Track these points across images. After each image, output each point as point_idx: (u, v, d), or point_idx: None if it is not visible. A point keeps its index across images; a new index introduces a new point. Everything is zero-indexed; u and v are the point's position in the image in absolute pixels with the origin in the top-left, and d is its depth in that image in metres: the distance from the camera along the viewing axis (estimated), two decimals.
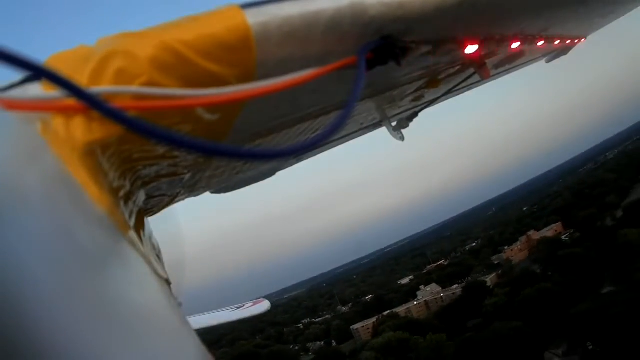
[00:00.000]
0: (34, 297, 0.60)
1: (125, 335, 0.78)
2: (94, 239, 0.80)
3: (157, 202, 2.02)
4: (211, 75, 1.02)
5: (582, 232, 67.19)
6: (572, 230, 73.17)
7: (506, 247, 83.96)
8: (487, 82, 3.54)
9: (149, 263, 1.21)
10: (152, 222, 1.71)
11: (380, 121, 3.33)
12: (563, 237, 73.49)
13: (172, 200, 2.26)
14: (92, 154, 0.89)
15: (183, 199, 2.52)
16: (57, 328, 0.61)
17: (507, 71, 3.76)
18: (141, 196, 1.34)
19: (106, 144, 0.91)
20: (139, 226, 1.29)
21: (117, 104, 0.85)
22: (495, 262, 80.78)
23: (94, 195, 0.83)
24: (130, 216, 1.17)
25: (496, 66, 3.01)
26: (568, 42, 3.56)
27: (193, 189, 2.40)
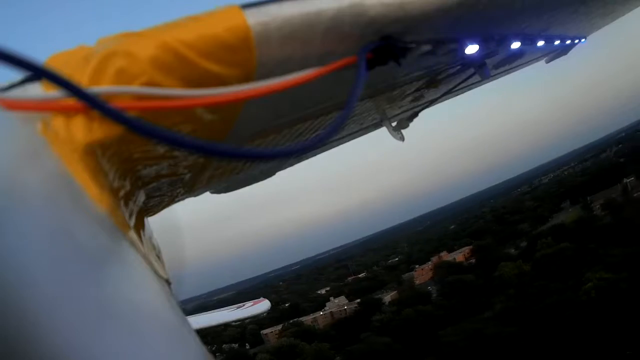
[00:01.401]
0: (34, 297, 0.60)
1: (126, 335, 0.78)
2: (94, 239, 0.80)
3: (157, 202, 2.01)
4: (211, 75, 1.02)
5: (478, 258, 68.67)
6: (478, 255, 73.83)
7: (417, 266, 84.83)
8: (487, 82, 3.54)
9: (149, 263, 1.21)
10: (152, 222, 1.71)
11: (381, 121, 3.33)
12: (469, 261, 74.01)
13: (172, 200, 2.26)
14: (92, 154, 0.89)
15: (183, 199, 2.52)
16: (57, 328, 0.62)
17: (507, 71, 3.76)
18: (141, 196, 1.34)
19: (106, 144, 0.91)
20: (139, 226, 1.29)
21: (117, 104, 0.86)
22: (407, 279, 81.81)
23: (94, 195, 0.83)
24: (130, 216, 1.17)
25: (496, 66, 3.02)
26: (568, 42, 3.57)
27: (193, 189, 2.40)
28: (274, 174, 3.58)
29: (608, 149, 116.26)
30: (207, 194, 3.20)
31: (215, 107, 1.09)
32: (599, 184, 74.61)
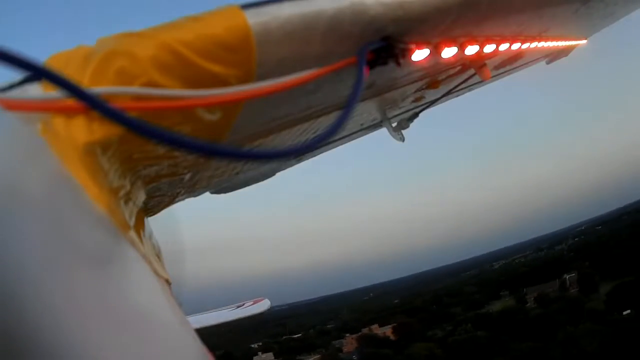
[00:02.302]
0: (34, 297, 0.60)
1: (126, 335, 0.78)
2: (94, 239, 0.80)
3: (157, 202, 2.01)
4: (211, 75, 1.02)
5: (401, 335, 69.60)
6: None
7: (348, 335, 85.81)
8: (487, 83, 3.54)
9: (149, 263, 1.21)
10: (152, 222, 1.71)
11: (381, 121, 3.33)
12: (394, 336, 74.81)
13: (172, 200, 2.26)
14: (92, 154, 0.89)
15: (183, 199, 2.52)
16: (57, 328, 0.62)
17: (508, 72, 3.76)
18: (141, 196, 1.34)
19: (106, 144, 0.91)
20: (139, 226, 1.29)
21: (117, 104, 0.85)
22: (337, 346, 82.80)
23: (94, 196, 0.83)
24: (130, 216, 1.17)
25: (496, 67, 3.02)
26: (568, 43, 3.57)
27: (193, 189, 2.40)
28: (273, 174, 3.58)
29: (565, 241, 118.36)
30: (207, 194, 3.20)
31: (215, 107, 1.09)
32: (543, 276, 76.50)
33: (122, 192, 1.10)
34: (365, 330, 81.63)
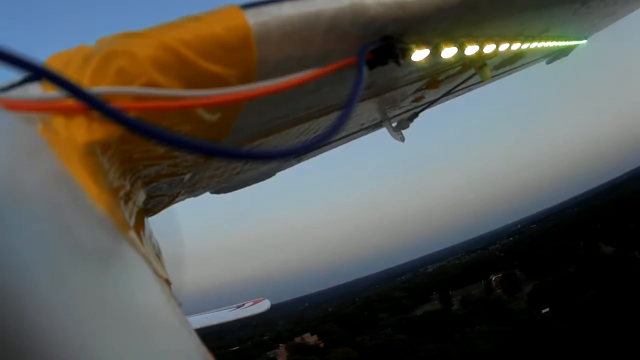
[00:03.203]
0: (34, 298, 0.60)
1: (125, 335, 0.78)
2: (94, 239, 0.80)
3: (157, 202, 2.02)
4: (211, 75, 1.02)
5: (326, 342, 70.37)
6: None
7: (281, 345, 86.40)
8: (487, 83, 3.54)
9: (149, 263, 1.21)
10: (152, 222, 1.71)
11: (381, 121, 3.33)
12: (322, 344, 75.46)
13: (172, 200, 2.26)
14: (92, 154, 0.89)
15: (183, 199, 2.52)
16: (57, 328, 0.61)
17: (508, 72, 3.76)
18: (141, 196, 1.34)
19: (106, 144, 0.91)
20: (139, 226, 1.29)
21: (117, 104, 0.85)
22: (271, 356, 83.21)
23: (94, 196, 0.83)
24: (130, 216, 1.17)
25: (497, 67, 3.02)
26: (568, 43, 3.57)
27: (193, 189, 2.40)
28: (274, 174, 3.58)
29: (499, 241, 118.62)
30: (207, 194, 3.20)
31: (215, 107, 1.09)
32: (472, 278, 77.12)
33: (122, 192, 1.10)
34: (297, 339, 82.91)
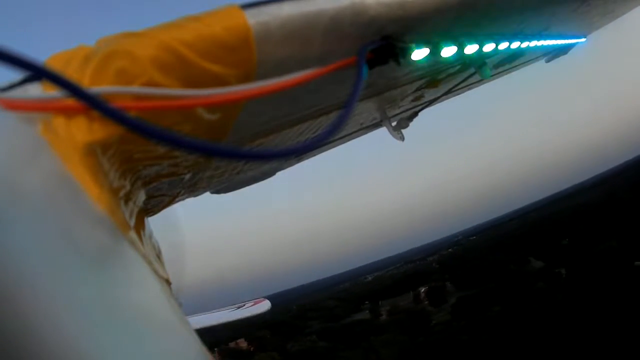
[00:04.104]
0: (34, 297, 0.60)
1: (126, 335, 0.78)
2: (94, 239, 0.80)
3: (157, 202, 2.02)
4: (211, 75, 1.02)
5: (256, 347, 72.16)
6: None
7: (216, 349, 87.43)
8: (487, 82, 3.54)
9: (149, 263, 1.21)
10: (152, 222, 1.71)
11: (380, 121, 3.33)
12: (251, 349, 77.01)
13: (172, 200, 2.26)
14: (92, 154, 0.89)
15: (183, 199, 2.52)
16: (57, 328, 0.62)
17: (507, 71, 3.76)
18: (141, 196, 1.34)
19: (107, 144, 0.91)
20: (139, 226, 1.29)
21: (117, 104, 0.85)
22: None
23: (94, 196, 0.83)
24: (130, 216, 1.17)
25: (496, 66, 3.02)
26: (568, 41, 3.56)
27: (193, 189, 2.40)
28: (274, 174, 3.58)
29: (438, 252, 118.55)
30: (207, 194, 3.20)
31: (215, 107, 1.09)
32: (405, 288, 77.76)
33: (122, 192, 1.10)
34: (232, 344, 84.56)
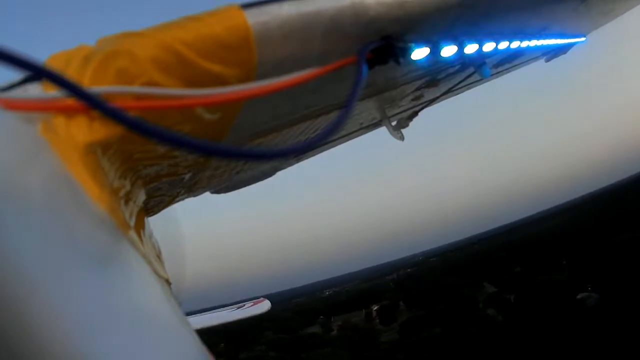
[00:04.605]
0: (34, 297, 0.60)
1: (126, 334, 0.78)
2: (94, 239, 0.80)
3: (157, 202, 2.02)
4: (211, 75, 1.02)
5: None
6: None
7: None
8: (487, 81, 3.54)
9: (149, 263, 1.21)
10: (152, 222, 1.71)
11: (380, 120, 3.33)
12: None
13: (172, 200, 2.26)
14: (92, 154, 0.89)
15: (183, 199, 2.52)
16: (57, 327, 0.62)
17: (507, 70, 3.76)
18: (141, 196, 1.34)
19: (107, 144, 0.91)
20: (139, 226, 1.29)
21: (117, 104, 0.85)
22: None
23: (94, 195, 0.83)
24: (130, 216, 1.17)
25: (496, 65, 3.02)
26: (568, 40, 3.56)
27: (193, 189, 2.40)
28: (274, 173, 3.58)
29: (397, 271, 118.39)
30: (207, 194, 3.20)
31: (215, 107, 1.09)
32: (359, 304, 78.47)
33: (122, 192, 1.10)
34: None
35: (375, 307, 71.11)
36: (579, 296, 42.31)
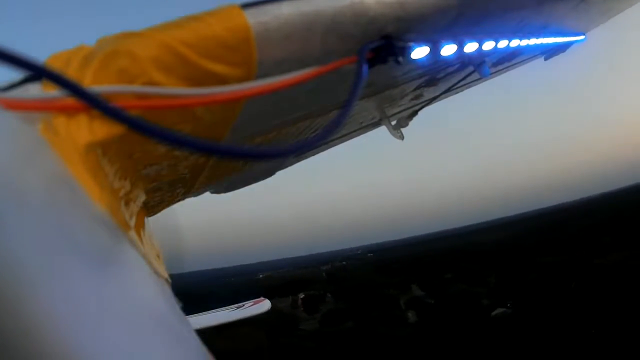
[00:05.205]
0: (34, 297, 0.60)
1: (126, 335, 0.78)
2: (94, 239, 0.80)
3: (157, 202, 2.02)
4: (211, 75, 1.02)
5: None
6: None
7: None
8: (486, 80, 3.54)
9: (149, 263, 1.21)
10: (152, 222, 1.71)
11: (380, 120, 3.34)
12: None
13: (172, 200, 2.26)
14: (93, 154, 0.89)
15: (183, 199, 2.52)
16: (57, 328, 0.61)
17: (507, 69, 3.76)
18: (141, 196, 1.34)
19: (107, 144, 0.91)
20: (139, 226, 1.29)
21: (118, 103, 0.85)
22: None
23: (94, 195, 0.83)
24: (130, 216, 1.17)
25: (495, 64, 3.02)
26: (567, 39, 3.56)
27: (193, 189, 2.40)
28: (273, 173, 3.58)
29: (332, 262, 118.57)
30: (207, 194, 3.20)
31: (215, 107, 1.09)
32: (288, 291, 78.39)
33: (122, 192, 1.10)
34: None
35: (302, 296, 71.84)
36: (494, 313, 44.02)
